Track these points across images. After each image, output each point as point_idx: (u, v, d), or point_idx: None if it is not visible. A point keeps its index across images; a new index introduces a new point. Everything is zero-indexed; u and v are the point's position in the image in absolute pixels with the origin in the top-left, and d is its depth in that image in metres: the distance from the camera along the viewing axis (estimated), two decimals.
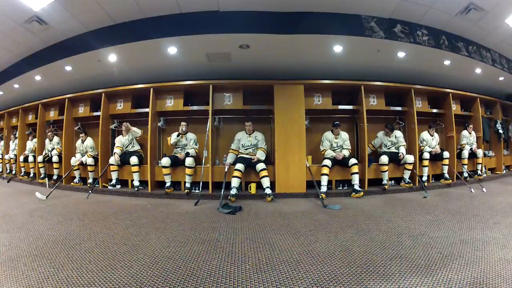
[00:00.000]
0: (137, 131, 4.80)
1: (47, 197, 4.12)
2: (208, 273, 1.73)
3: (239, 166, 4.14)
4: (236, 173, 4.10)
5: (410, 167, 4.60)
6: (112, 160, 4.72)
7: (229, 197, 3.93)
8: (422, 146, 4.88)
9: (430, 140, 4.94)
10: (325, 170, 4.25)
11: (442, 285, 1.51)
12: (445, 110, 5.39)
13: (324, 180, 4.23)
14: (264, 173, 4.11)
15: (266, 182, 4.09)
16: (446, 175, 4.91)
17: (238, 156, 4.43)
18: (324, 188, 4.18)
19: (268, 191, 4.02)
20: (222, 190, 3.93)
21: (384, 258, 1.90)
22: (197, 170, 4.44)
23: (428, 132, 4.99)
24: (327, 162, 4.28)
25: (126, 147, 4.87)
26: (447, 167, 4.92)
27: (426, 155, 4.75)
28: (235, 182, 4.07)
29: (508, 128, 6.70)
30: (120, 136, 4.92)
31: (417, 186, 4.58)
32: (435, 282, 1.55)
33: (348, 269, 1.74)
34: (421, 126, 5.05)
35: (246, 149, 4.41)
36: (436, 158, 4.86)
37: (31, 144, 6.26)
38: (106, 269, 1.77)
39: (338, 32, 4.02)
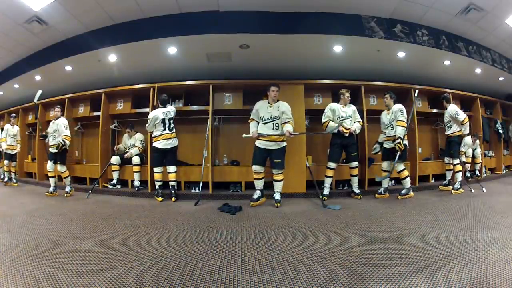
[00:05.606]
0: (136, 149, 4.78)
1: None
2: (208, 273, 1.73)
3: (257, 167, 3.77)
4: (257, 175, 3.81)
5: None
6: (113, 159, 4.74)
7: (251, 203, 3.68)
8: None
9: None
10: (330, 173, 4.03)
11: (442, 285, 1.51)
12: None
13: (328, 183, 4.06)
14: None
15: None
16: (446, 182, 4.66)
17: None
18: (326, 191, 4.02)
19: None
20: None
21: (384, 258, 1.90)
22: (194, 169, 4.48)
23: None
24: (332, 165, 4.04)
25: (129, 147, 4.89)
26: (451, 172, 4.60)
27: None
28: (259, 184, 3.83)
29: (508, 128, 6.70)
30: (126, 135, 4.99)
31: (417, 186, 4.57)
32: (435, 282, 1.55)
33: (348, 269, 1.74)
34: (421, 126, 5.04)
35: None
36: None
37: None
38: (106, 269, 1.77)
39: (338, 32, 4.02)
